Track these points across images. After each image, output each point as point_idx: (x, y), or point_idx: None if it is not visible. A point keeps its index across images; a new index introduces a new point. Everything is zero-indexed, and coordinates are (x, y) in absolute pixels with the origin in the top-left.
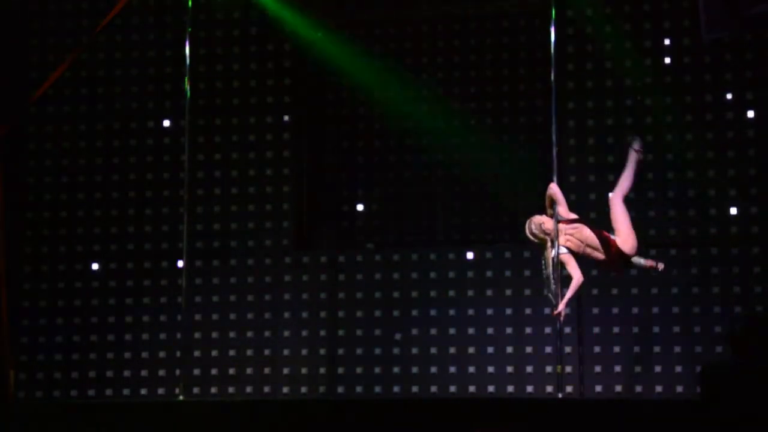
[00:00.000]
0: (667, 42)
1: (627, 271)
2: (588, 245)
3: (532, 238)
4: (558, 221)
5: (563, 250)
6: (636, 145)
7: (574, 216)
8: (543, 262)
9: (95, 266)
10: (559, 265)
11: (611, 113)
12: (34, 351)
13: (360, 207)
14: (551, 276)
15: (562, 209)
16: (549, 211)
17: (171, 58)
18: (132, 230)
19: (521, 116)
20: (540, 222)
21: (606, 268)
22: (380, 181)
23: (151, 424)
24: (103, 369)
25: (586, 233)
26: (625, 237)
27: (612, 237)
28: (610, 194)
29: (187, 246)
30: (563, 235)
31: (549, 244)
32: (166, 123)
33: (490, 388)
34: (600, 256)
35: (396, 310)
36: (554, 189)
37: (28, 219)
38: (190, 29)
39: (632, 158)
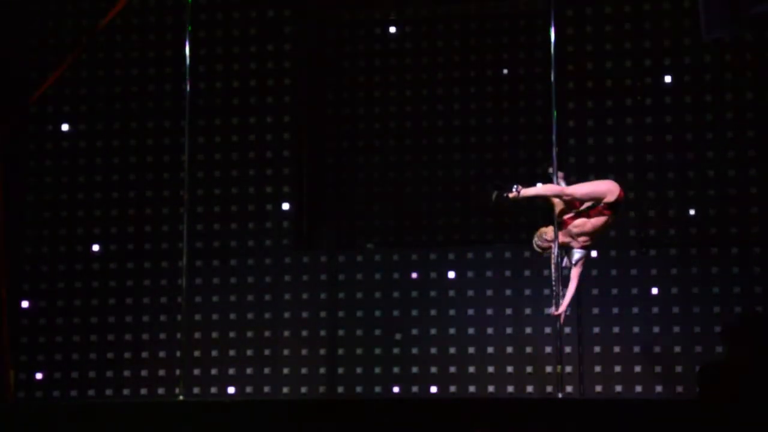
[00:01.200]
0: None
1: (627, 271)
2: (599, 228)
3: (539, 251)
4: (559, 223)
5: (581, 252)
6: (509, 194)
7: (569, 190)
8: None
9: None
10: (560, 266)
11: (611, 113)
12: (34, 351)
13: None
14: (558, 279)
15: (569, 190)
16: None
17: (171, 58)
18: (132, 230)
19: (521, 116)
20: (542, 233)
21: None
22: (380, 181)
23: (151, 424)
24: (103, 369)
25: (591, 221)
26: (607, 192)
27: (600, 205)
28: (564, 195)
29: (187, 246)
30: (576, 240)
31: (555, 251)
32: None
33: (490, 388)
34: (610, 221)
35: (396, 310)
36: (542, 190)
37: (28, 219)
38: (190, 28)
39: (522, 195)
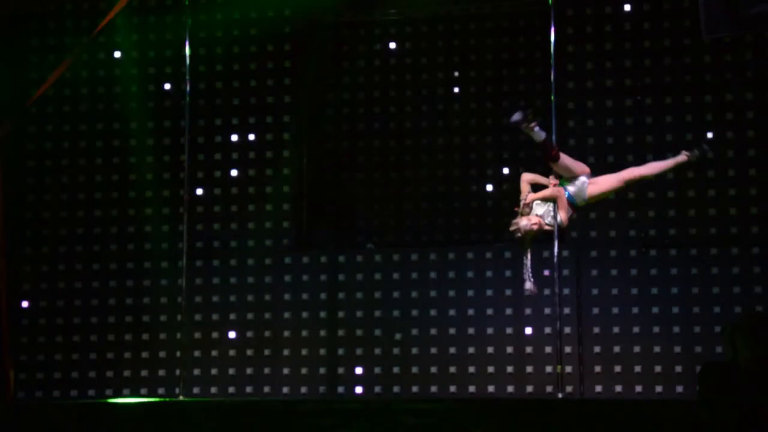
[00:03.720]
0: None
1: (627, 271)
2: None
3: (524, 235)
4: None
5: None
6: (525, 123)
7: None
8: (526, 255)
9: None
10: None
11: (611, 113)
12: (34, 351)
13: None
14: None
15: (563, 215)
16: (524, 195)
17: (171, 58)
18: (132, 230)
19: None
20: (541, 226)
21: None
22: (380, 181)
23: (151, 424)
24: (103, 369)
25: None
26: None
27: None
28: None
29: (187, 246)
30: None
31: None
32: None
33: (490, 388)
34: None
35: (396, 310)
36: (561, 193)
37: (28, 219)
38: (189, 22)
39: (532, 132)
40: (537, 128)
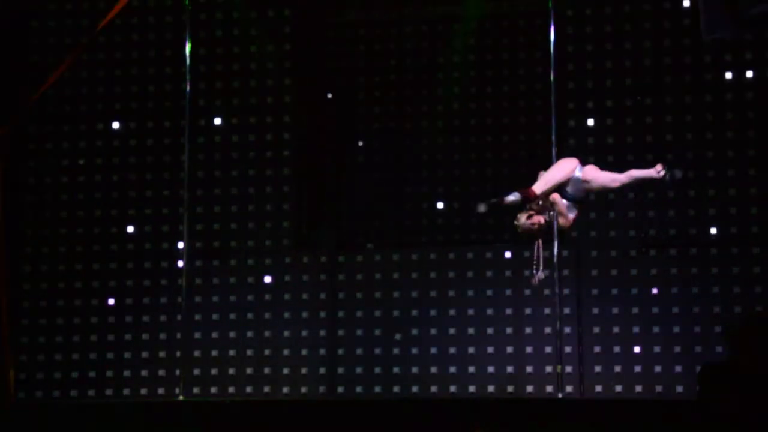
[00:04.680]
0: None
1: (628, 271)
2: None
3: (523, 233)
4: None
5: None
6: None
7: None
8: (536, 252)
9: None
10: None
11: (611, 113)
12: (34, 351)
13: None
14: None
15: (562, 219)
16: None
17: (171, 58)
18: (132, 230)
19: (521, 116)
20: (541, 226)
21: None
22: (380, 181)
23: (151, 424)
24: (103, 369)
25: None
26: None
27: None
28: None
29: (187, 246)
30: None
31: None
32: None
33: (490, 388)
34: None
35: (396, 310)
36: (556, 198)
37: (28, 219)
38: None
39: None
40: (508, 198)
